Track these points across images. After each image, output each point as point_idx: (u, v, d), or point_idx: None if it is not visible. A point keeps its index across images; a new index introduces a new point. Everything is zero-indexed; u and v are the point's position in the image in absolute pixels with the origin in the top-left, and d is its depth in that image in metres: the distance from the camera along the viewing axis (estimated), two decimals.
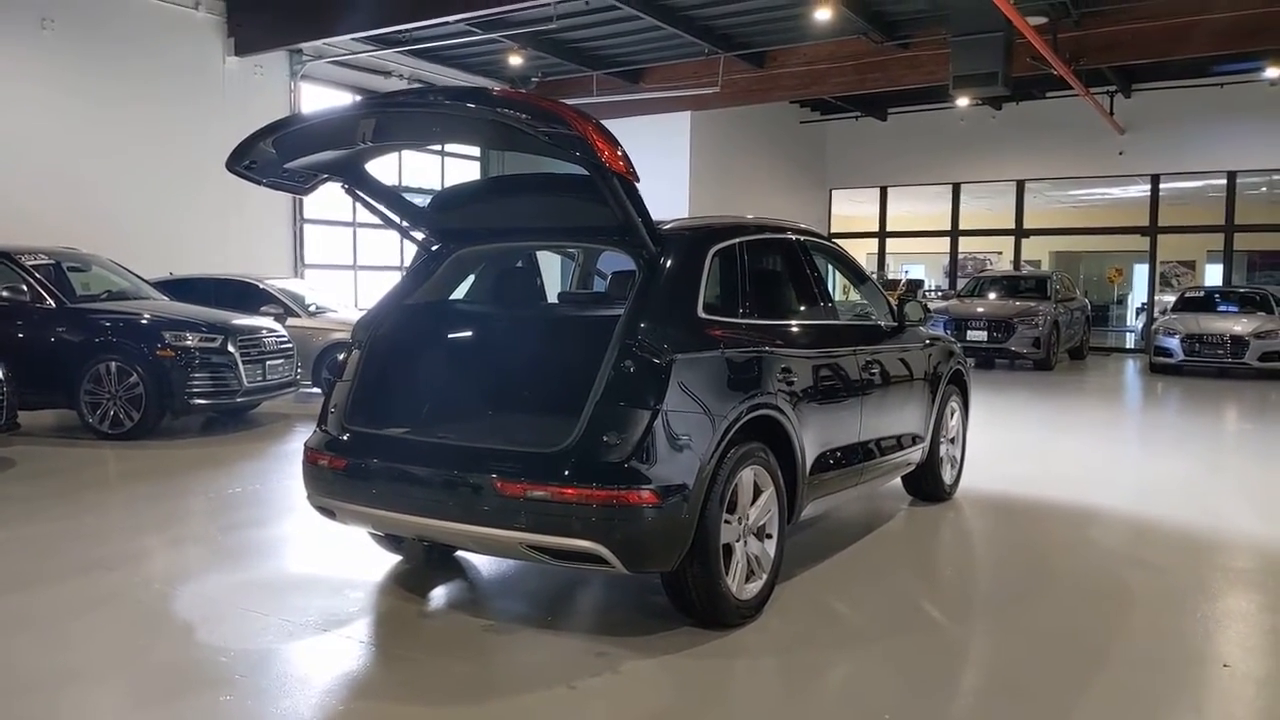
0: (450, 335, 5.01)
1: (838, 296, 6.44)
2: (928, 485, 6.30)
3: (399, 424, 4.36)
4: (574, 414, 4.17)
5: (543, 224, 4.60)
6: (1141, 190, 20.97)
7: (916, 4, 13.94)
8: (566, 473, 3.58)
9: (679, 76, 17.18)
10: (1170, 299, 20.85)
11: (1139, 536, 5.70)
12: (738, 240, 4.52)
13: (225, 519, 5.84)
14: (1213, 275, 24.64)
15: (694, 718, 3.28)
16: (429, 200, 4.83)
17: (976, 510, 6.32)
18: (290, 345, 9.57)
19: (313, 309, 11.27)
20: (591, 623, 4.15)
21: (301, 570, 4.88)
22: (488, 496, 3.68)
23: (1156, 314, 19.29)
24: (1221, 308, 16.77)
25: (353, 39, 14.51)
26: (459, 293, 5.02)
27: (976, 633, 4.16)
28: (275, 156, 4.20)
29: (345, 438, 4.22)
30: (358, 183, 4.57)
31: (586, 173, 4.08)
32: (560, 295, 5.49)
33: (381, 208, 4.71)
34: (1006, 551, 5.56)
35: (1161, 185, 20.05)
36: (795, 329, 4.76)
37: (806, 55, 16.13)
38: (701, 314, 4.07)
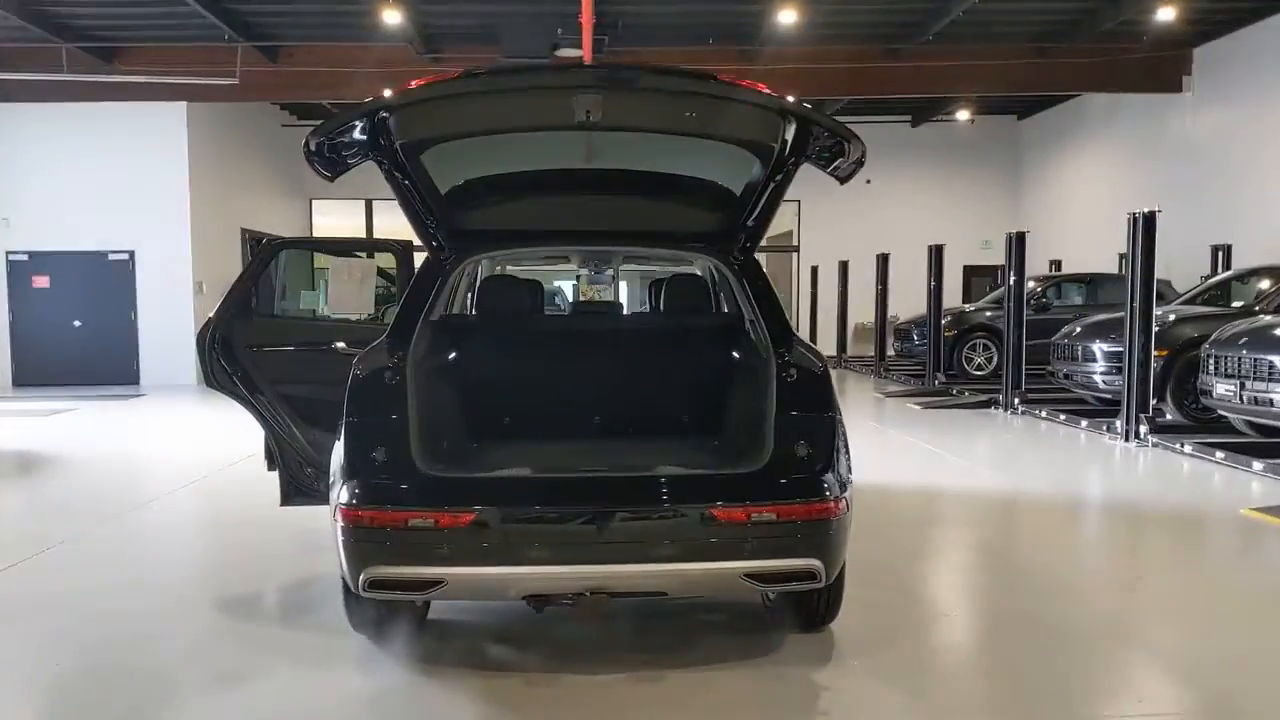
0: (497, 354, 4.35)
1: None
2: None
3: (494, 462, 3.59)
4: (683, 429, 3.95)
5: (603, 227, 4.11)
6: None
7: (467, 20, 14.17)
8: (783, 491, 3.34)
9: (170, 61, 14.95)
10: None
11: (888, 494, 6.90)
12: None
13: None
14: None
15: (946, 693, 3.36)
16: (447, 192, 3.96)
17: None
18: None
19: None
20: (702, 655, 3.82)
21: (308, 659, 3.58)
22: (705, 528, 3.25)
23: None
24: None
25: None
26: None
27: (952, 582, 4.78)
28: (389, 130, 3.44)
29: (445, 486, 3.31)
30: (402, 165, 3.61)
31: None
32: (576, 306, 4.86)
33: (419, 196, 3.78)
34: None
35: None
36: None
37: (331, 56, 15.27)
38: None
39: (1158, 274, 15.21)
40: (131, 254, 15.97)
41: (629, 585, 3.35)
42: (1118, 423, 8.77)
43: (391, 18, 12.83)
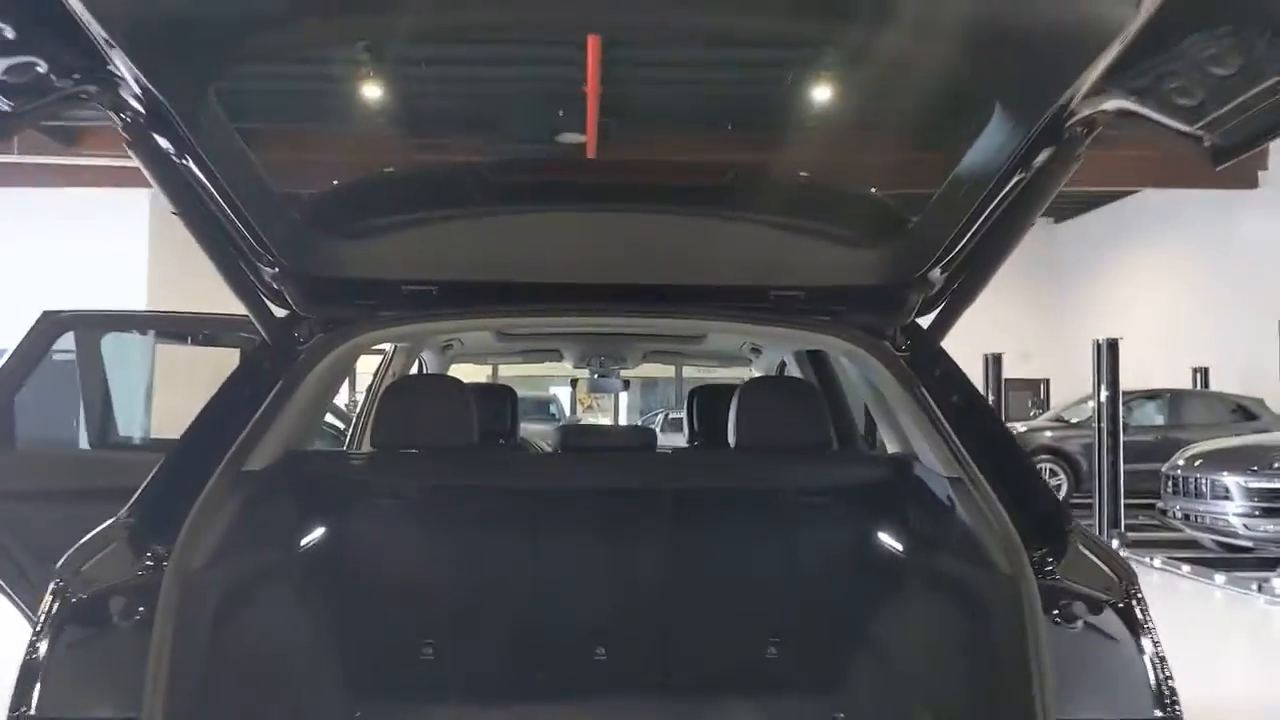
0: (403, 535, 2.43)
1: None
2: None
3: None
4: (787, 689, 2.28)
5: (629, 278, 2.17)
6: None
7: (458, 103, 12.78)
8: None
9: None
10: None
11: None
12: None
13: None
14: None
15: None
16: (307, 207, 2.14)
17: None
18: None
19: None
20: None
21: None
22: None
23: None
24: None
25: None
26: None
27: None
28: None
29: None
30: (186, 121, 1.70)
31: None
32: (567, 437, 2.87)
33: (232, 202, 1.89)
34: None
35: None
36: None
37: (308, 141, 13.80)
38: None
39: (1237, 390, 13.64)
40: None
41: None
42: (1276, 581, 6.76)
43: (371, 92, 11.38)
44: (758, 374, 4.17)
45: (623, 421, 15.12)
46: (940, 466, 1.93)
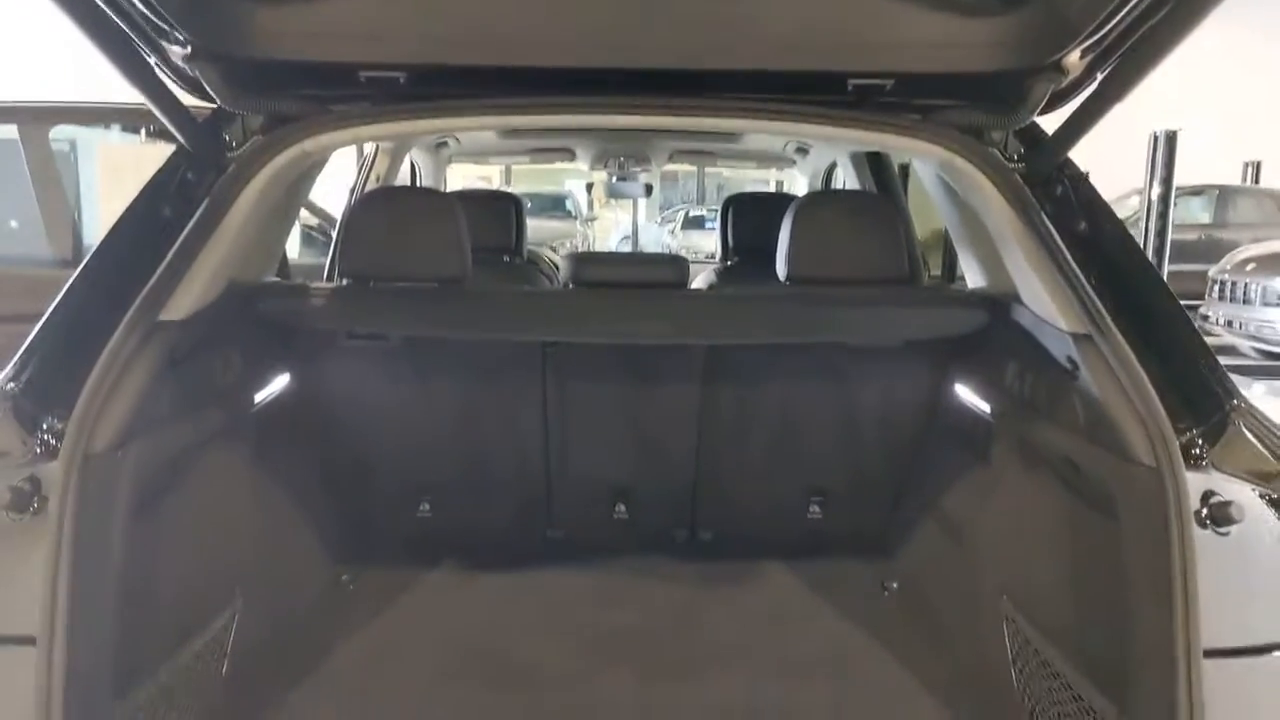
0: (381, 384, 2.09)
1: None
2: None
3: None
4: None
5: (661, 60, 1.63)
6: None
7: None
8: None
9: None
10: None
11: None
12: None
13: None
14: None
15: None
16: None
17: None
18: None
19: None
20: None
21: None
22: None
23: None
24: None
25: None
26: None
27: None
28: None
29: None
30: None
31: None
32: (577, 260, 2.34)
33: None
34: None
35: None
36: None
37: None
38: None
39: None
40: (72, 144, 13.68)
41: None
42: None
43: None
44: (800, 175, 3.74)
45: (642, 219, 14.61)
46: (1059, 317, 1.57)
